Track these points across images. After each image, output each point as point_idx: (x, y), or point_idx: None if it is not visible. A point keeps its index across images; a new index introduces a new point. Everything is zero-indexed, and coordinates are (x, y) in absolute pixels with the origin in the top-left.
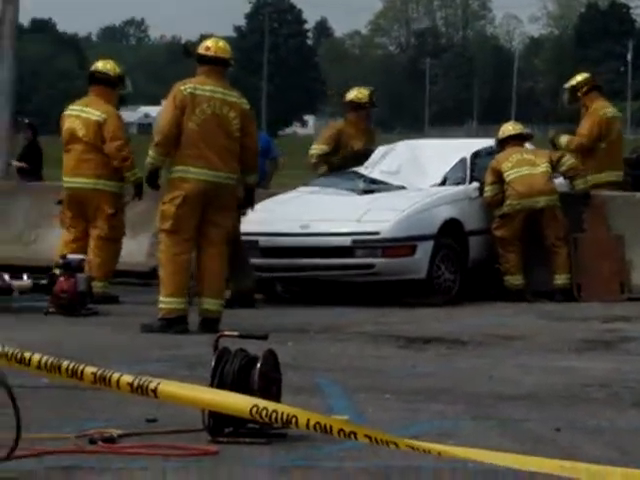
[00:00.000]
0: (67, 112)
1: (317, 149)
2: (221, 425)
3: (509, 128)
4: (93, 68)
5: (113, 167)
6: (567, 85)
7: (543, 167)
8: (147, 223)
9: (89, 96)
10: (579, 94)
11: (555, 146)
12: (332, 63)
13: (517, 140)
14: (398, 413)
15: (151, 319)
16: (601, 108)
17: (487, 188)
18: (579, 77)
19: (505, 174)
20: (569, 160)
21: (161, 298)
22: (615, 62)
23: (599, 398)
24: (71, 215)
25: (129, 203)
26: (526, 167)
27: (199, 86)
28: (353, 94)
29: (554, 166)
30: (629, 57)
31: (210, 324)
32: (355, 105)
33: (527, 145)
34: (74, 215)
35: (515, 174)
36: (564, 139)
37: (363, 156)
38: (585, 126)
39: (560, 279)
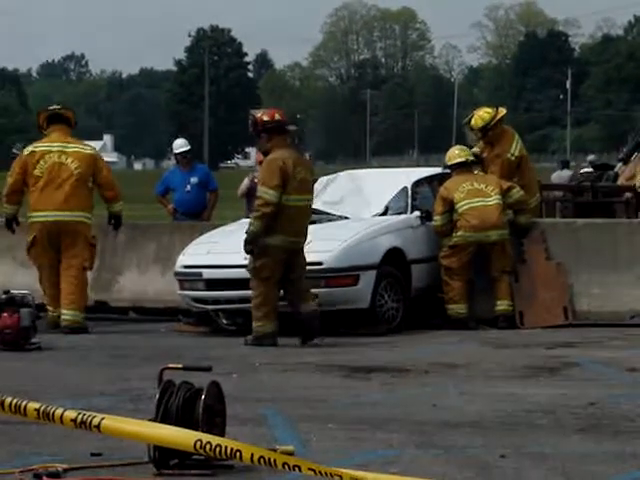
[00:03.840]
0: (40, 149)
1: None
2: (167, 457)
3: (455, 153)
4: (57, 110)
5: (90, 200)
6: (475, 125)
7: (495, 199)
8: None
9: (59, 135)
10: (489, 133)
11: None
12: (273, 95)
13: (465, 166)
14: (343, 442)
15: (97, 352)
16: (505, 151)
17: (437, 217)
18: (486, 115)
19: (457, 205)
20: (518, 193)
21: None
22: (554, 90)
23: (543, 424)
24: (42, 250)
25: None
26: (479, 198)
27: None
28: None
29: (503, 195)
30: (568, 85)
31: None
32: None
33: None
34: (47, 249)
35: (467, 205)
36: None
37: None
38: (494, 170)
39: (502, 305)
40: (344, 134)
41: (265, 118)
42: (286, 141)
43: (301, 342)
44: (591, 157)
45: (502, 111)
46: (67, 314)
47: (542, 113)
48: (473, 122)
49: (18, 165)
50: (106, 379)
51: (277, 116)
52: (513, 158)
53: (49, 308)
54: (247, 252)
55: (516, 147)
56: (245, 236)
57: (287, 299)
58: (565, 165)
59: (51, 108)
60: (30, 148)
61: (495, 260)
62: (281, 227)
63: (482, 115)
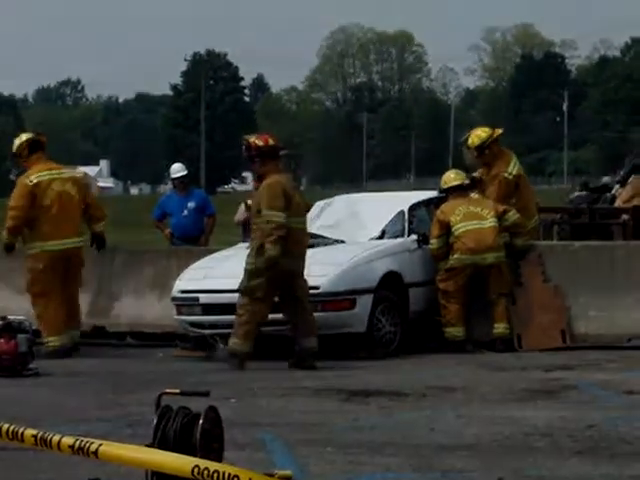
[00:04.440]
0: (45, 177)
1: None
2: None
3: (451, 177)
4: (35, 137)
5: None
6: (472, 143)
7: (491, 222)
8: (86, 283)
9: (44, 161)
10: (486, 151)
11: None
12: (269, 119)
13: (461, 190)
14: (341, 466)
15: (94, 378)
16: (502, 171)
17: (433, 241)
18: (483, 134)
19: (453, 228)
20: (514, 216)
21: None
22: (551, 112)
23: (541, 447)
24: (52, 278)
25: None
26: (475, 221)
27: None
28: None
29: (499, 218)
30: (565, 107)
31: None
32: None
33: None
34: (55, 277)
35: (464, 228)
36: None
37: None
38: (491, 190)
39: (499, 328)
40: (341, 158)
41: (259, 143)
42: (279, 166)
43: (289, 365)
44: (606, 179)
45: (498, 131)
46: (75, 334)
47: (539, 135)
48: (470, 141)
49: (24, 197)
50: (103, 404)
51: (271, 141)
52: (511, 177)
53: (52, 338)
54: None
55: (514, 167)
56: (263, 262)
57: (290, 322)
58: (585, 187)
59: (30, 136)
60: (33, 179)
61: (492, 283)
62: (287, 249)
63: (479, 134)
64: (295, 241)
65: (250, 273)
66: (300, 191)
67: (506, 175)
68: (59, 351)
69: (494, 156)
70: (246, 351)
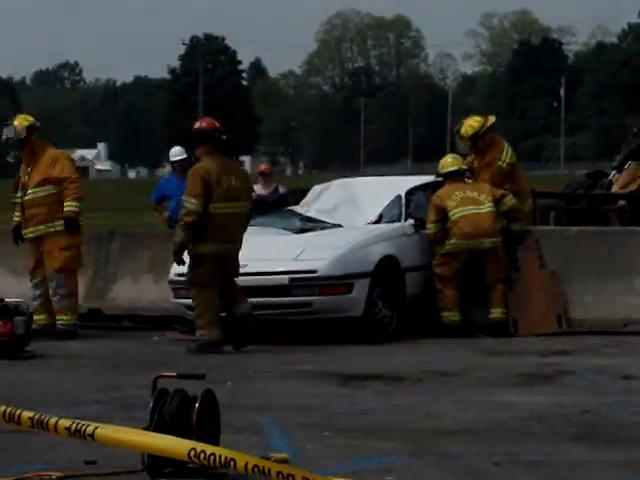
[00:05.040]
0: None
1: None
2: (161, 465)
3: (449, 162)
4: (35, 124)
5: None
6: (465, 133)
7: (489, 206)
8: (83, 265)
9: (48, 145)
10: (480, 141)
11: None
12: (267, 103)
13: (458, 175)
14: (337, 450)
15: (91, 360)
16: (496, 159)
17: (429, 226)
18: (475, 124)
19: (450, 213)
20: (511, 201)
21: None
22: (548, 97)
23: (537, 432)
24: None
25: None
26: (471, 206)
27: None
28: None
29: (496, 203)
30: (562, 92)
31: None
32: None
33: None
34: None
35: (460, 213)
36: None
37: None
38: (485, 178)
39: (495, 313)
40: (338, 142)
41: (193, 127)
42: (213, 150)
43: (234, 347)
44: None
45: (491, 119)
46: None
47: (536, 121)
48: (463, 131)
49: (77, 171)
50: (100, 387)
51: (200, 124)
52: (504, 165)
53: (74, 316)
54: (176, 262)
55: (507, 154)
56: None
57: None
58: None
59: (35, 122)
60: (69, 156)
61: (489, 268)
62: (210, 235)
63: (472, 124)
64: (219, 227)
65: (192, 263)
66: (240, 174)
67: (500, 163)
68: (74, 331)
69: (487, 145)
70: (215, 337)
